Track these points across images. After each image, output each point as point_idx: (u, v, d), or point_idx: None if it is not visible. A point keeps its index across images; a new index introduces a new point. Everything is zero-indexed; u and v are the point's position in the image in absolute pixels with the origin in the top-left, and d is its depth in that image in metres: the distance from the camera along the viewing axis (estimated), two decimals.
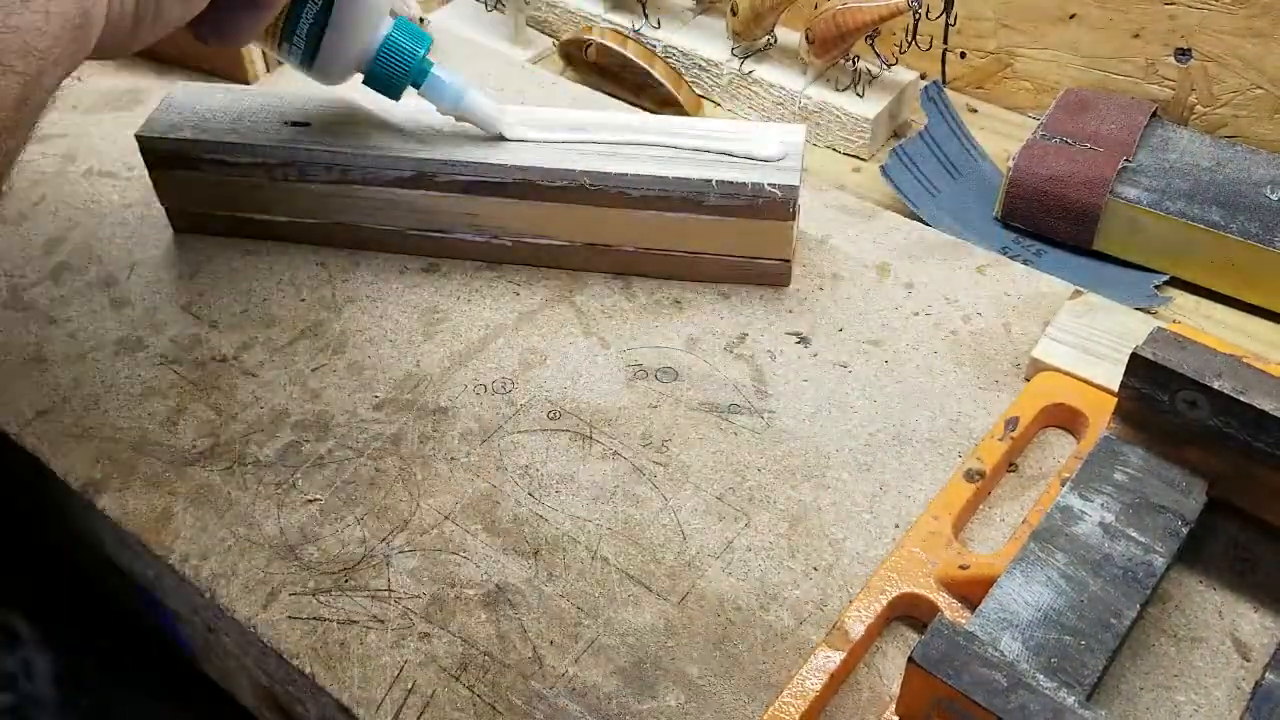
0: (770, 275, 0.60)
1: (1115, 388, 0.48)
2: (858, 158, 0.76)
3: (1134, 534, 0.45)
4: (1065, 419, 0.53)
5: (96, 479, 0.52)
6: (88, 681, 0.59)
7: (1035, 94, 0.79)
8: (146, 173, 0.62)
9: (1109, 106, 0.71)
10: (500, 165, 0.58)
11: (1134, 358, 0.46)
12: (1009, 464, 0.52)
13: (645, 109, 0.76)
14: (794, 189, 0.56)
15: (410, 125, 0.60)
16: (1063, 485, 0.47)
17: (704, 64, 0.80)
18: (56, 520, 0.57)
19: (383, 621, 0.46)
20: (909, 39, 0.76)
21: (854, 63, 0.76)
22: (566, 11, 0.86)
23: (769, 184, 0.56)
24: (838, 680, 0.44)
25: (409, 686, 0.44)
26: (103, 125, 0.73)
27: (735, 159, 0.57)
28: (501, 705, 0.43)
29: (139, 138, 0.60)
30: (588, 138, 0.58)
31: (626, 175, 0.57)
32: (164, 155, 0.60)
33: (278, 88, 0.73)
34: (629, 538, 0.49)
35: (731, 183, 0.56)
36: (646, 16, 0.82)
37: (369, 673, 0.44)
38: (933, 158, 0.73)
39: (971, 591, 0.45)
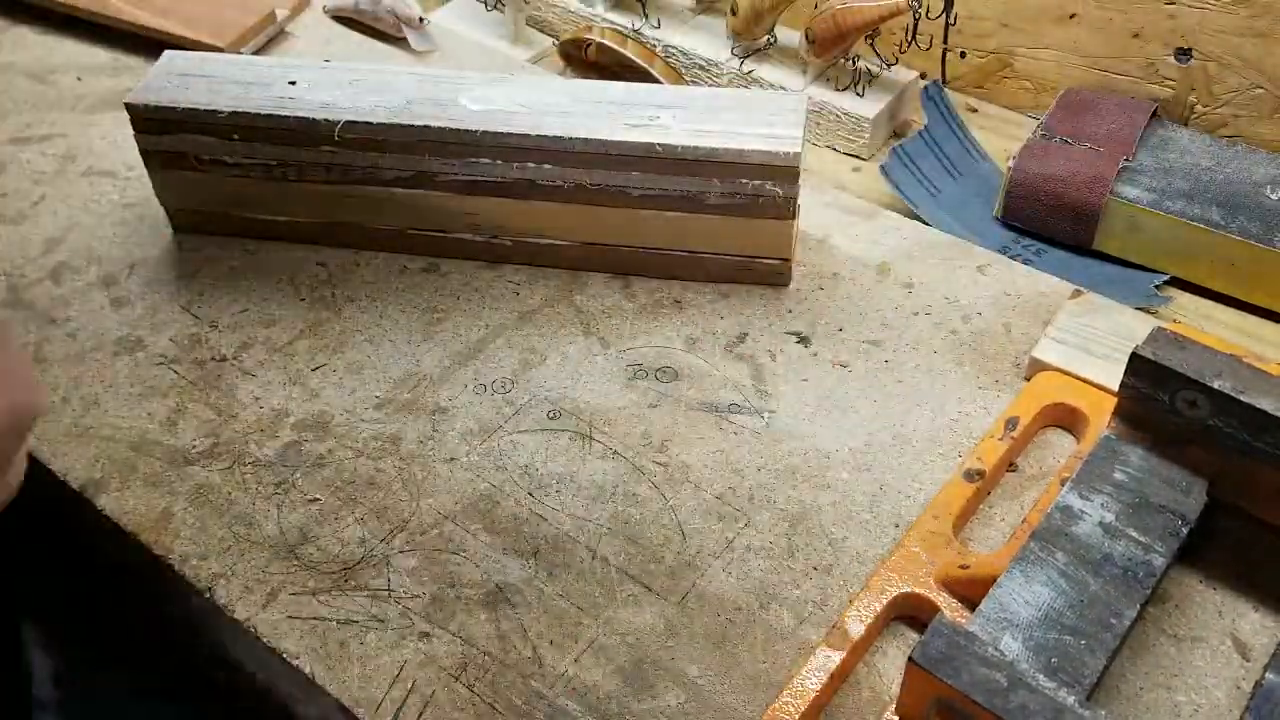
0: (770, 275, 0.60)
1: (1115, 387, 0.48)
2: (858, 157, 0.76)
3: (1134, 534, 0.45)
4: (1065, 419, 0.53)
5: (96, 479, 0.52)
6: (88, 681, 0.59)
7: (1035, 94, 0.79)
8: (146, 173, 0.62)
9: (1109, 106, 0.71)
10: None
11: (1134, 357, 0.46)
12: (1009, 464, 0.52)
13: None
14: (794, 182, 0.56)
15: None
16: (1063, 485, 0.47)
17: (704, 64, 0.80)
18: (57, 520, 0.57)
19: (383, 621, 0.46)
20: (909, 38, 0.76)
21: (854, 62, 0.76)
22: (566, 11, 0.86)
23: (769, 184, 0.56)
24: (838, 680, 0.44)
25: (409, 686, 0.44)
26: (103, 125, 0.73)
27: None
28: (501, 705, 0.43)
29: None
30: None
31: (630, 175, 0.57)
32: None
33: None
34: (629, 538, 0.49)
35: (732, 182, 0.56)
36: (646, 16, 0.82)
37: (369, 673, 0.44)
38: (933, 157, 0.73)
39: (971, 591, 0.45)
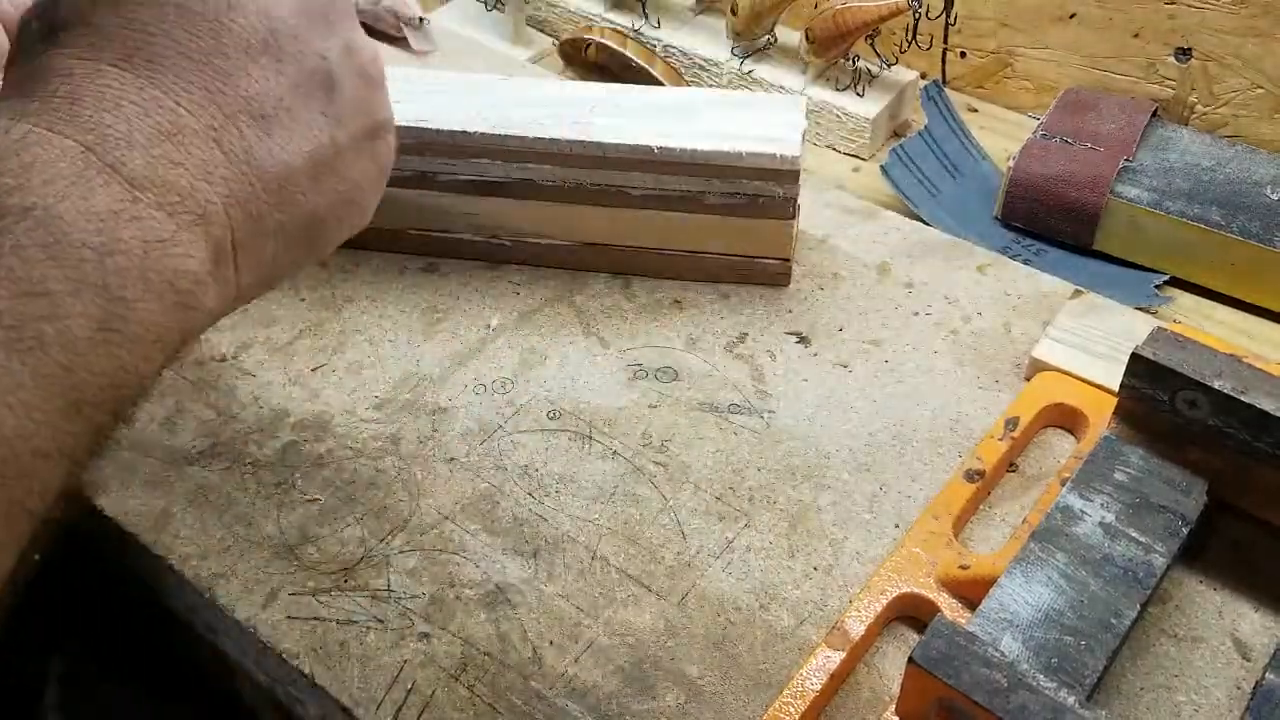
0: (770, 275, 0.60)
1: (1115, 388, 0.48)
2: (858, 157, 0.76)
3: (1134, 534, 0.45)
4: (1065, 419, 0.53)
5: (96, 479, 0.52)
6: (89, 682, 0.59)
7: (1035, 94, 0.79)
8: None
9: (1109, 106, 0.71)
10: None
11: (1134, 358, 0.46)
12: (1009, 464, 0.52)
13: None
14: (794, 182, 0.56)
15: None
16: (1063, 485, 0.47)
17: (704, 64, 0.80)
18: (56, 521, 0.57)
19: (382, 621, 0.46)
20: (909, 38, 0.76)
21: (854, 62, 0.76)
22: (566, 11, 0.86)
23: (769, 184, 0.56)
24: (838, 680, 0.44)
25: (409, 686, 0.44)
26: None
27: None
28: (501, 705, 0.43)
29: None
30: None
31: (630, 175, 0.57)
32: None
33: None
34: (629, 538, 0.49)
35: (732, 182, 0.56)
36: (646, 16, 0.82)
37: (369, 673, 0.44)
38: (933, 157, 0.73)
39: (972, 591, 0.45)
